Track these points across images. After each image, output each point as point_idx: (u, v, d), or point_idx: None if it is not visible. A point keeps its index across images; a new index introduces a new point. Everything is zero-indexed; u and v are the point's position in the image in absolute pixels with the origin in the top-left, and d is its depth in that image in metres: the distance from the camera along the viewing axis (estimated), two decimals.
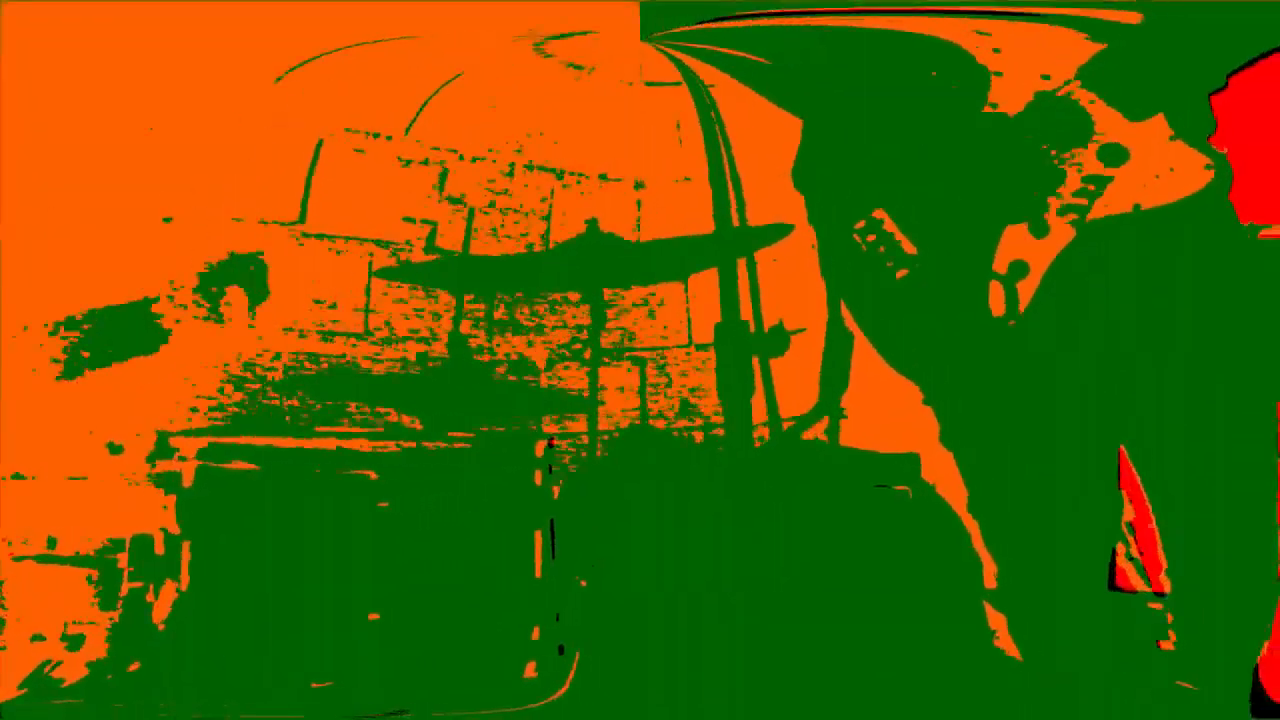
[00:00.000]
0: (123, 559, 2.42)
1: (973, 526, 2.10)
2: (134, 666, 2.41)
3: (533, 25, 2.89)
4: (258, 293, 2.94)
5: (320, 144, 2.91)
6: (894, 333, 2.00)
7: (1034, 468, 1.96)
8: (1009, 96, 1.75)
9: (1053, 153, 1.71)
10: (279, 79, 2.78)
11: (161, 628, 2.39)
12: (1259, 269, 1.92)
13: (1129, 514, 1.88)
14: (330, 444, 2.51)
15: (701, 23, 2.36)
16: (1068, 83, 1.74)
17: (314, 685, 2.44)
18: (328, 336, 2.99)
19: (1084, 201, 1.73)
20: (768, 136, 2.25)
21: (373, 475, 2.54)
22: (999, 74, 1.82)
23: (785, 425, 2.82)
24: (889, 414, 2.25)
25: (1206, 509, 1.80)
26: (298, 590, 2.45)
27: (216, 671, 2.39)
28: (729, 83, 2.80)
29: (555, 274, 2.96)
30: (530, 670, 2.42)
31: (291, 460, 2.46)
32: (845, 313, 1.98)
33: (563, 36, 2.99)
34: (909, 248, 1.89)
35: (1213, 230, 1.80)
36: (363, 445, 2.58)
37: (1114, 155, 1.73)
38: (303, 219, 2.94)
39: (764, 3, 2.54)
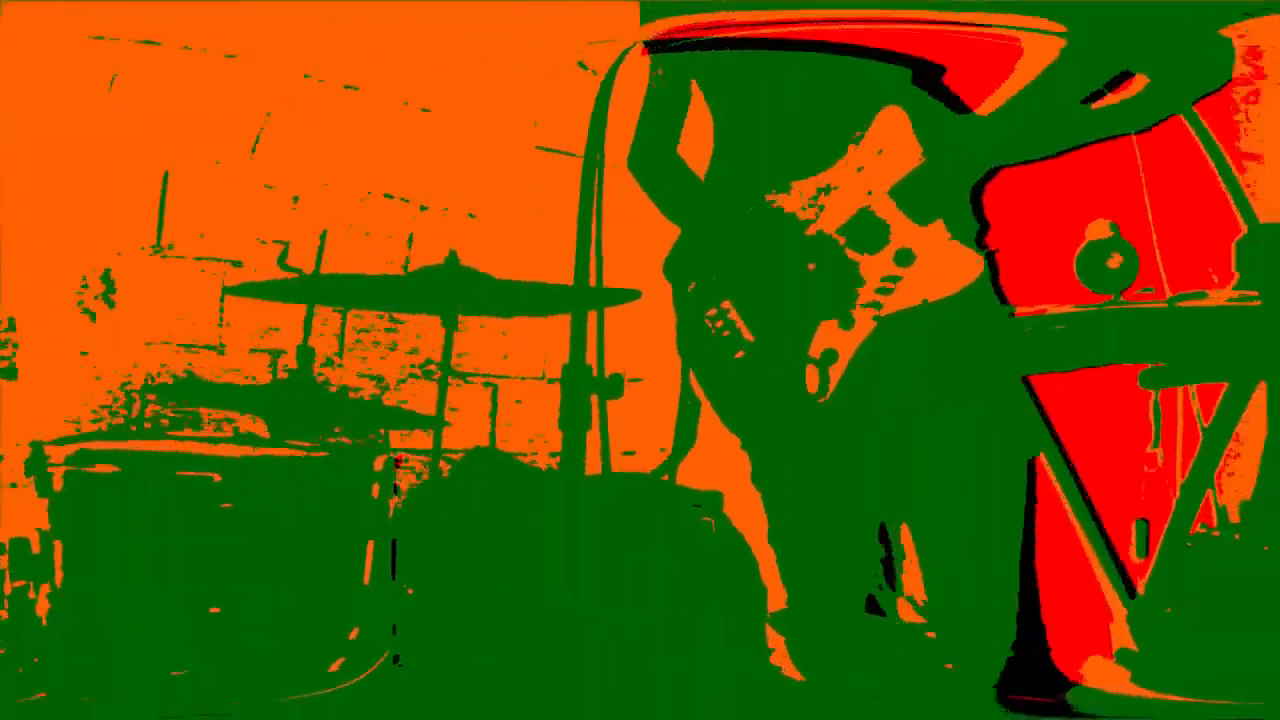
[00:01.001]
0: (3, 560, 2.56)
1: (767, 556, 2.49)
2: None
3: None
4: (119, 309, 3.15)
5: (166, 174, 3.16)
6: (729, 400, 2.43)
7: (828, 512, 2.40)
8: (833, 214, 2.25)
9: (859, 258, 2.16)
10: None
11: (44, 623, 2.56)
12: (1018, 343, 2.35)
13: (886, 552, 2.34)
14: (183, 448, 2.72)
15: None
16: (871, 194, 2.21)
17: (174, 674, 2.66)
18: (189, 348, 3.20)
19: (881, 299, 2.15)
20: (648, 225, 2.66)
21: (216, 478, 2.77)
22: (834, 188, 2.30)
23: (624, 461, 3.30)
24: (713, 462, 2.70)
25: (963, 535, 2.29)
26: (153, 585, 2.60)
27: (89, 660, 2.55)
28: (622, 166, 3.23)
29: (411, 296, 3.22)
30: (335, 666, 2.61)
31: (150, 463, 2.62)
32: (693, 380, 2.42)
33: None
34: (747, 335, 2.33)
35: (981, 314, 2.22)
36: (210, 449, 2.80)
37: (904, 258, 2.18)
38: (159, 239, 3.18)
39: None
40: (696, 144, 2.57)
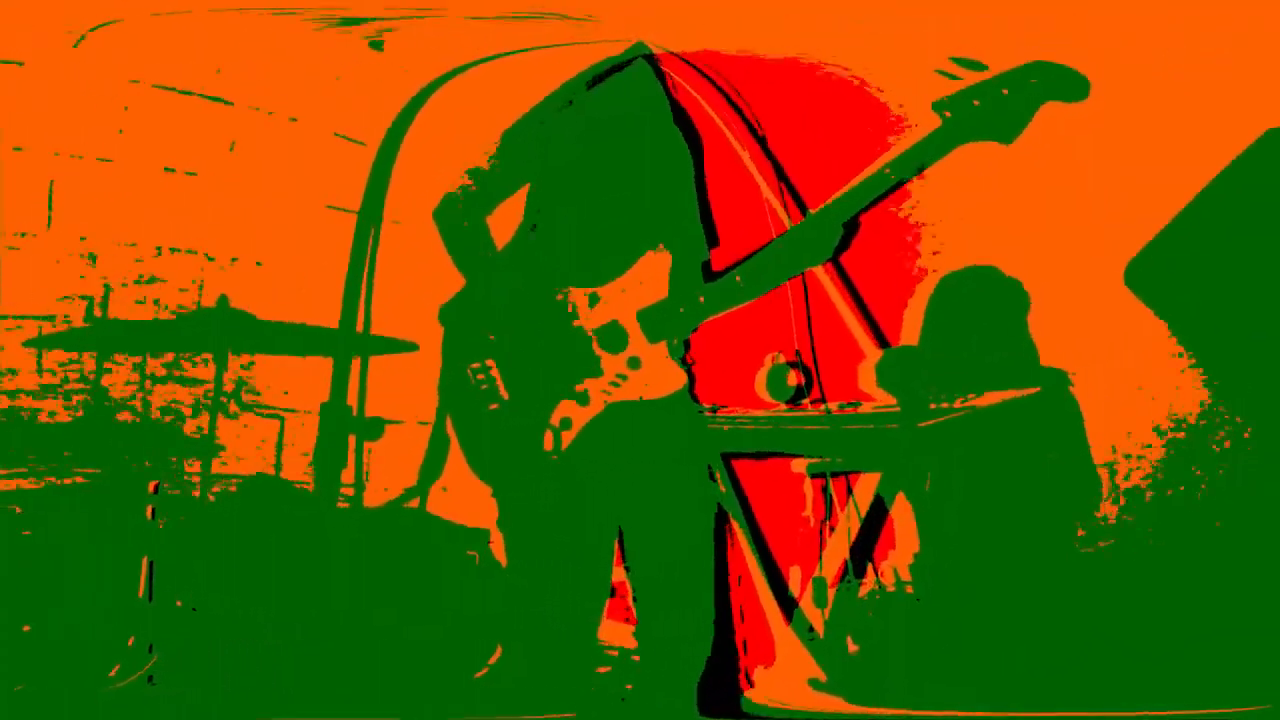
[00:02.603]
0: None
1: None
2: None
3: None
4: None
5: None
6: (476, 444, 2.93)
7: (561, 548, 2.97)
8: (594, 318, 2.79)
9: (602, 354, 2.76)
10: None
11: None
12: (712, 432, 3.11)
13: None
14: None
15: None
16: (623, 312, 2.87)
17: (16, 689, 3.00)
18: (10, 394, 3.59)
19: (611, 389, 2.78)
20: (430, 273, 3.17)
21: (18, 509, 3.12)
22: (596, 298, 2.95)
23: (384, 495, 3.72)
24: (469, 501, 3.22)
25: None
26: None
27: None
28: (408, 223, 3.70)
29: (191, 337, 3.57)
30: (113, 671, 3.05)
31: None
32: (449, 423, 2.91)
33: None
34: (503, 393, 2.73)
35: (680, 410, 2.91)
36: (13, 484, 3.15)
37: (634, 363, 2.81)
38: None
39: None
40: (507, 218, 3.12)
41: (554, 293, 2.91)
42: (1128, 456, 3.55)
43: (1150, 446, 3.53)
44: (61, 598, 3.13)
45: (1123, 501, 3.51)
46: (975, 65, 2.76)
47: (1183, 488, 3.50)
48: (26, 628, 3.11)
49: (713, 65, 3.43)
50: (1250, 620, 3.23)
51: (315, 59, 3.92)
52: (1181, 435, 3.51)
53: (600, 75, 2.98)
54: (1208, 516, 3.47)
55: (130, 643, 3.11)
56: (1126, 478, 3.52)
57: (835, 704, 3.33)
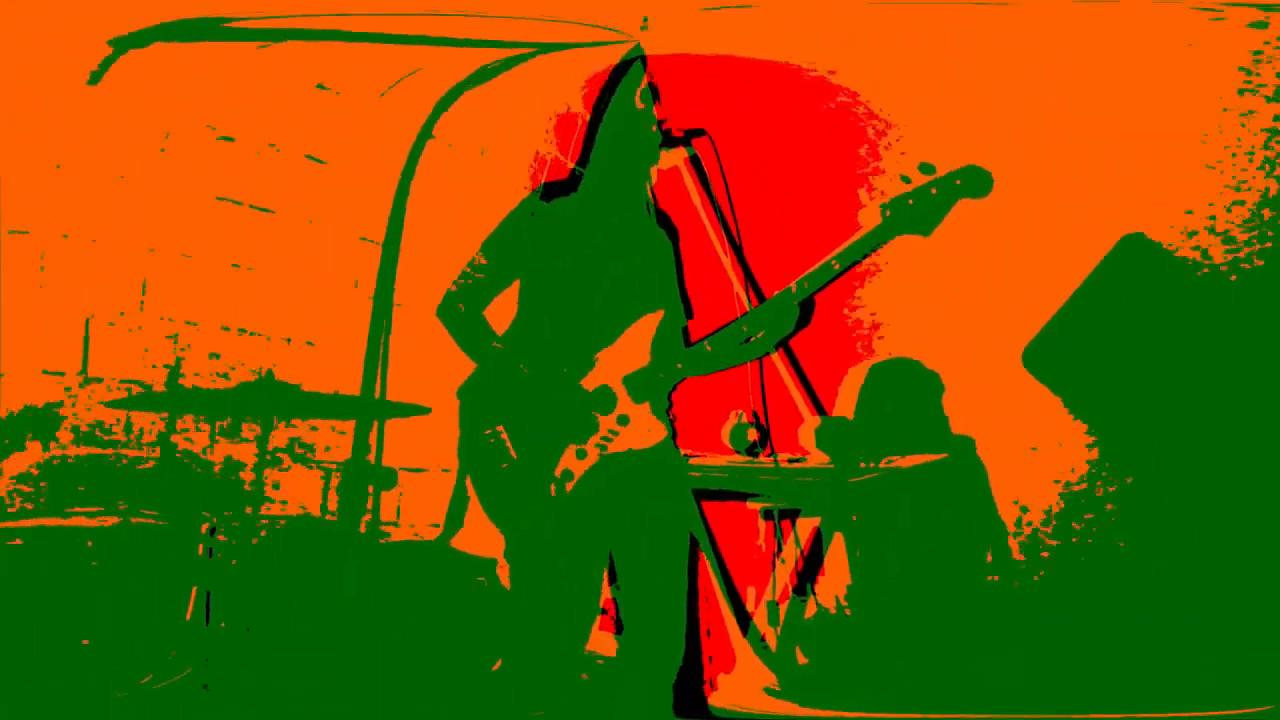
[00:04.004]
0: None
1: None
2: None
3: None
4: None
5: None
6: (491, 497, 3.19)
7: (560, 572, 3.22)
8: (588, 383, 3.19)
9: (597, 415, 3.05)
10: None
11: None
12: (690, 476, 3.40)
13: None
14: (69, 522, 3.56)
15: None
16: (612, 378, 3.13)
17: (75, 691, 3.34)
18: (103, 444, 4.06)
19: (605, 444, 3.08)
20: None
21: (90, 544, 3.47)
22: None
23: (410, 532, 4.17)
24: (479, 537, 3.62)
25: None
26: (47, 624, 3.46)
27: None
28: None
29: (240, 405, 3.94)
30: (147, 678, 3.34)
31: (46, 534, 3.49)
32: (468, 480, 3.24)
33: None
34: (512, 453, 3.13)
35: (664, 459, 3.19)
36: (89, 522, 3.53)
37: (624, 420, 3.10)
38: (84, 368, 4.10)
39: None
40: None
41: (550, 367, 3.21)
42: (1025, 509, 3.94)
43: (1046, 496, 3.97)
44: (115, 618, 3.47)
45: (1024, 539, 3.96)
46: (928, 169, 3.12)
47: (1075, 525, 3.92)
48: (86, 641, 3.45)
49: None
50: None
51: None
52: (1074, 484, 3.95)
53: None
54: (1106, 542, 3.94)
55: (172, 654, 3.44)
56: (1028, 523, 3.94)
57: (788, 708, 3.64)
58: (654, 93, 3.32)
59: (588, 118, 3.61)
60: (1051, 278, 4.06)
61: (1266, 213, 3.94)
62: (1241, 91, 4.00)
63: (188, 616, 3.51)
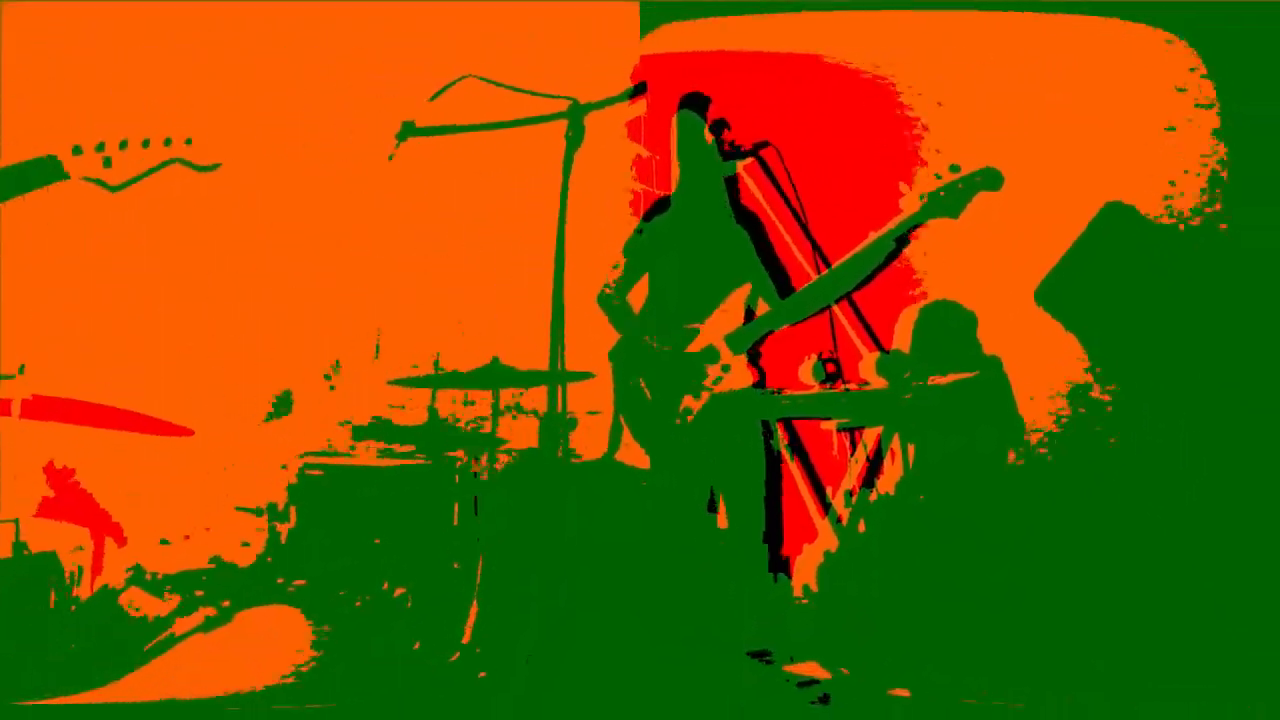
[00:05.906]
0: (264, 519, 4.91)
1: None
2: None
3: None
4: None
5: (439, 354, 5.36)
6: (638, 427, 4.34)
7: (687, 474, 4.43)
8: (697, 344, 4.08)
9: (706, 367, 3.90)
10: None
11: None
12: (781, 403, 4.61)
13: None
14: (360, 461, 5.07)
15: None
16: (716, 339, 4.16)
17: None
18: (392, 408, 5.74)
19: (713, 386, 4.00)
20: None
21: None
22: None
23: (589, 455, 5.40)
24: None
25: None
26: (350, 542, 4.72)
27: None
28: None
29: (475, 383, 5.12)
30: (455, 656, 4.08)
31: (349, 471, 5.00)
32: (621, 419, 4.38)
33: None
34: (649, 395, 4.01)
35: (759, 392, 4.13)
36: (379, 462, 5.12)
37: (726, 369, 3.97)
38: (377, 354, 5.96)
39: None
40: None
41: (672, 334, 4.33)
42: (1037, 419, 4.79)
43: (1056, 400, 4.97)
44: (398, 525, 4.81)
45: (1039, 436, 4.92)
46: (955, 168, 4.22)
47: (1073, 423, 4.90)
48: (377, 540, 4.87)
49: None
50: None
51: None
52: (1075, 390, 4.91)
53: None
54: (1102, 440, 4.92)
55: (455, 566, 4.62)
56: (1038, 423, 4.90)
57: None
58: (720, 125, 4.42)
59: (657, 159, 5.08)
60: (1052, 239, 4.89)
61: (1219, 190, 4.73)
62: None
63: (454, 523, 4.74)
